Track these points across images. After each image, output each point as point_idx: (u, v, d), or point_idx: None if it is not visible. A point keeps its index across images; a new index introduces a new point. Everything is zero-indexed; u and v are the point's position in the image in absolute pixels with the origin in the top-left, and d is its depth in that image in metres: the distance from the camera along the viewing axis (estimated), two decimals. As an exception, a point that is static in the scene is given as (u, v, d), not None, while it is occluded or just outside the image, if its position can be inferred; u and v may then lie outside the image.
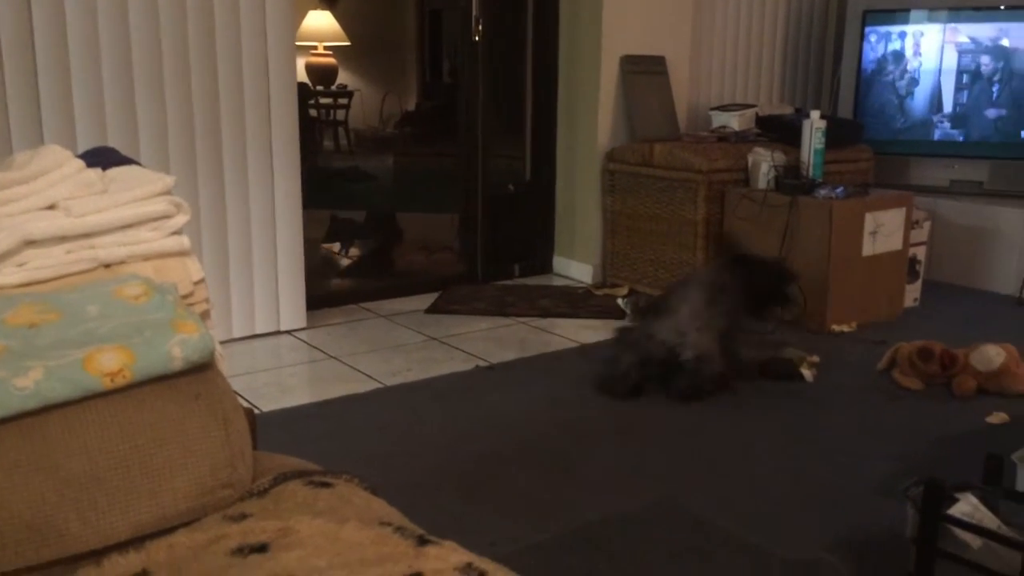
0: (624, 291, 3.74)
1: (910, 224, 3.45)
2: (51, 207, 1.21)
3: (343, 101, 7.54)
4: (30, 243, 1.16)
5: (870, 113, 4.26)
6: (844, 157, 3.81)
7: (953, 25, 4.03)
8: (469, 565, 0.87)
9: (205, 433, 0.98)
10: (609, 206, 3.87)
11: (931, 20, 4.08)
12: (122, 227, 1.22)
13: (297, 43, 3.19)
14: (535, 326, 3.31)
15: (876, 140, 4.16)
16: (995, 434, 2.37)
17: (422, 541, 0.91)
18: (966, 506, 1.52)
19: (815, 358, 2.81)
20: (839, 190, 3.28)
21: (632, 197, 3.75)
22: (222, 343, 2.97)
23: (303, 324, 3.23)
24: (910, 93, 4.17)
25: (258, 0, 2.93)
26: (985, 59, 3.99)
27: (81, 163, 1.27)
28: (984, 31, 3.97)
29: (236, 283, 3.07)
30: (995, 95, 4.00)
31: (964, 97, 4.06)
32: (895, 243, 3.40)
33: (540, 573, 1.67)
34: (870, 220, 3.28)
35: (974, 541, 1.47)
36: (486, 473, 2.10)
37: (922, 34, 4.10)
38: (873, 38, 4.23)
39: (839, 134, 3.72)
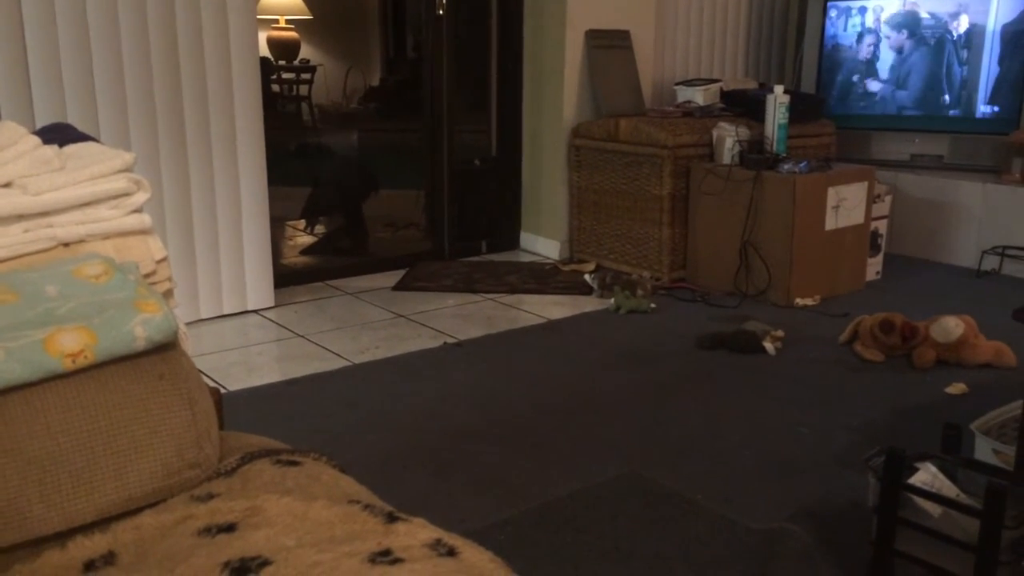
0: (591, 267, 3.75)
1: (872, 198, 3.49)
2: (7, 185, 1.18)
3: (306, 76, 7.44)
4: (-14, 222, 1.13)
5: (833, 88, 4.30)
6: (807, 132, 3.84)
7: (913, 1, 4.06)
8: (438, 541, 0.87)
9: (170, 413, 0.97)
10: (575, 182, 3.87)
11: (893, -5, 4.12)
12: (80, 205, 1.20)
13: (258, 16, 3.13)
14: (503, 302, 3.32)
15: (839, 115, 4.20)
16: (954, 404, 2.42)
17: (391, 518, 0.91)
18: (926, 475, 1.55)
19: (780, 332, 2.84)
20: (802, 165, 3.31)
21: (598, 173, 3.75)
22: (189, 324, 2.94)
23: (271, 303, 3.20)
24: (872, 68, 4.20)
25: (217, -27, 2.87)
26: (945, 34, 4.03)
27: (37, 140, 1.24)
28: (944, 6, 4.01)
29: (202, 263, 3.03)
30: (955, 69, 4.04)
31: (924, 72, 4.10)
32: (857, 217, 3.44)
33: (509, 548, 1.68)
34: (832, 194, 3.31)
35: (934, 509, 1.50)
36: (455, 450, 2.10)
37: (883, 9, 4.13)
38: (835, 13, 4.25)
39: (802, 109, 3.74)
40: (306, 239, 4.40)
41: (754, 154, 3.41)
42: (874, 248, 3.62)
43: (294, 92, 7.50)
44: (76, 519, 0.90)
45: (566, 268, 3.79)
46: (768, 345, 2.78)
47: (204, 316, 3.06)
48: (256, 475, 1.00)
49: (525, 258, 4.02)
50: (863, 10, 4.18)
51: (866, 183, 3.45)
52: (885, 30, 4.15)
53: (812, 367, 2.68)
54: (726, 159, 3.47)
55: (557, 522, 1.78)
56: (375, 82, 8.01)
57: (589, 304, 3.30)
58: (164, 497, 0.95)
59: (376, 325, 3.04)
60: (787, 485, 1.95)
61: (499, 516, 1.80)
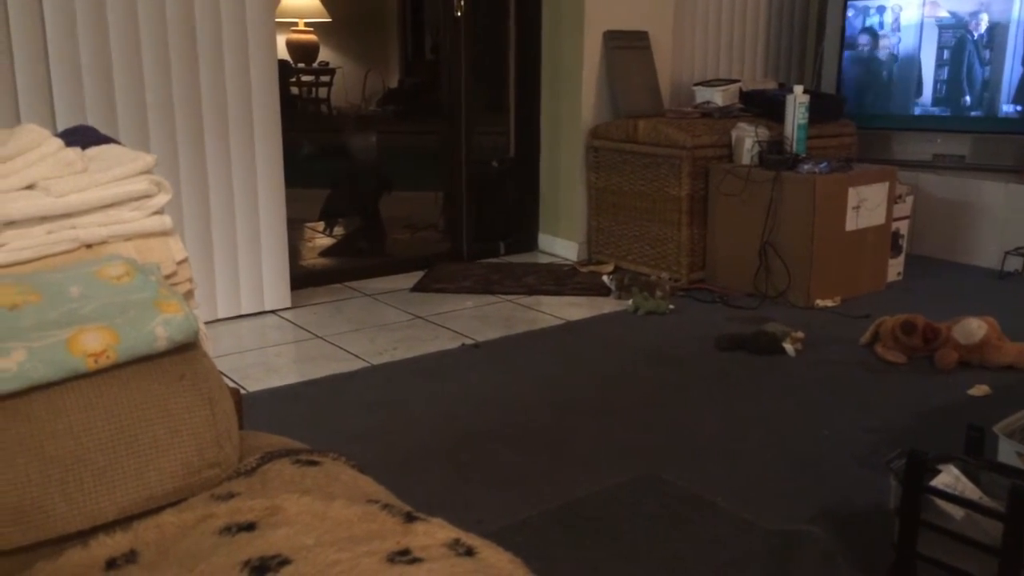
0: (610, 268, 3.74)
1: (893, 198, 3.46)
2: (30, 187, 1.19)
3: (325, 78, 7.47)
4: (9, 224, 1.14)
5: (853, 88, 4.27)
6: (827, 132, 3.81)
7: (934, 0, 4.03)
8: (457, 541, 0.88)
9: (191, 413, 0.97)
10: (593, 183, 3.86)
11: (914, -6, 4.08)
12: (103, 207, 1.21)
13: (277, 19, 3.16)
14: (521, 304, 3.32)
15: (859, 115, 4.17)
16: (977, 406, 2.40)
17: (409, 518, 0.92)
18: (948, 477, 1.54)
19: (799, 334, 2.83)
20: (822, 165, 3.28)
21: (616, 174, 3.75)
22: (207, 324, 2.96)
23: (287, 304, 3.22)
24: (892, 67, 4.17)
25: (237, -24, 2.89)
26: (967, 33, 3.99)
27: (60, 142, 1.25)
28: (965, 5, 3.98)
29: (220, 263, 3.05)
30: (977, 69, 4.01)
31: (946, 71, 4.06)
32: (878, 217, 3.41)
33: (527, 549, 1.68)
34: (853, 195, 3.29)
35: (956, 512, 1.49)
36: (472, 450, 2.11)
37: (904, 8, 4.10)
38: (855, 12, 4.22)
39: (822, 109, 3.72)
40: (325, 240, 4.42)
41: (774, 154, 3.40)
42: (895, 249, 3.59)
43: (313, 94, 7.53)
44: (98, 518, 0.91)
45: (584, 269, 3.78)
46: (788, 346, 2.76)
47: (222, 316, 3.08)
48: (276, 475, 1.00)
49: (543, 259, 4.02)
50: (883, 9, 4.15)
51: (887, 183, 3.42)
52: (905, 29, 4.12)
53: (833, 368, 2.67)
54: (745, 160, 3.46)
55: (575, 523, 1.77)
56: (393, 84, 8.04)
57: (607, 305, 3.30)
58: (185, 496, 0.96)
59: (394, 326, 3.05)
60: (807, 487, 1.94)
61: (517, 516, 1.80)
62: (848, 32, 4.25)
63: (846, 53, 4.26)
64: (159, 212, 1.26)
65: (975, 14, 3.97)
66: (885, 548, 1.63)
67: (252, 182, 3.06)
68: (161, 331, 0.97)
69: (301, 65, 7.33)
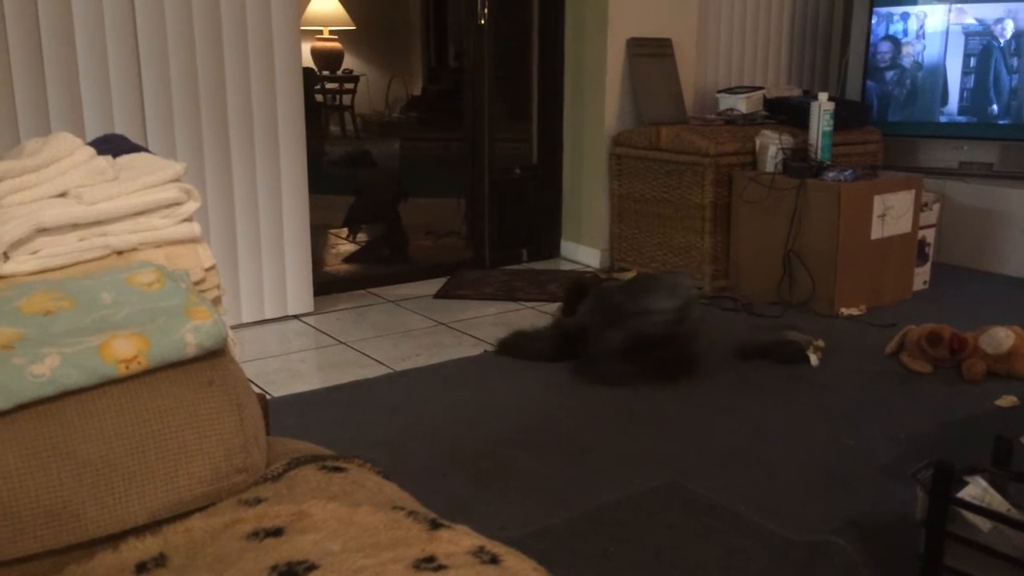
0: (632, 275, 3.74)
1: (919, 206, 3.43)
2: (63, 195, 1.22)
3: (349, 86, 7.53)
4: (42, 231, 1.16)
5: (879, 95, 4.24)
6: (852, 139, 3.79)
7: (961, 6, 4.00)
8: (481, 548, 0.88)
9: (219, 418, 0.99)
10: (616, 190, 3.86)
11: (940, 0, 4.05)
12: (133, 214, 1.23)
13: (302, 27, 3.19)
14: (543, 311, 3.32)
15: (885, 122, 4.14)
16: (1004, 417, 2.37)
17: (435, 525, 0.92)
18: (976, 489, 1.52)
19: (820, 342, 2.81)
20: (847, 173, 3.26)
21: (639, 181, 3.74)
22: (232, 328, 2.99)
23: (310, 309, 3.24)
24: (918, 74, 4.14)
25: (264, -15, 2.93)
26: (993, 40, 3.96)
27: (92, 151, 1.27)
28: (992, 12, 3.94)
29: (244, 268, 3.08)
30: (1004, 76, 3.97)
31: (973, 78, 4.03)
32: (904, 226, 3.39)
33: (550, 557, 1.68)
34: (879, 203, 3.27)
35: (984, 524, 1.47)
36: (496, 457, 2.11)
37: (931, 15, 4.07)
38: (881, 19, 4.20)
39: (847, 116, 3.70)
40: (348, 247, 4.44)
41: (798, 162, 3.38)
42: (921, 257, 3.56)
43: (337, 102, 7.59)
44: (128, 521, 0.92)
45: (607, 277, 3.78)
46: (812, 355, 2.75)
47: (246, 320, 3.10)
48: (302, 480, 1.01)
49: (566, 266, 4.02)
50: (912, 16, 4.12)
51: (913, 191, 3.39)
52: (931, 36, 4.09)
53: (858, 378, 2.65)
54: (769, 167, 3.44)
55: (598, 531, 1.77)
56: (417, 91, 8.08)
57: (630, 313, 3.29)
58: (213, 501, 0.97)
59: (417, 333, 3.06)
60: (832, 497, 1.93)
61: (540, 524, 1.80)
62: (873, 39, 4.23)
63: (871, 60, 4.24)
64: (188, 219, 1.28)
65: (1001, 21, 3.93)
66: (911, 560, 1.62)
67: (277, 189, 3.09)
68: (191, 337, 0.98)
69: (326, 72, 7.39)
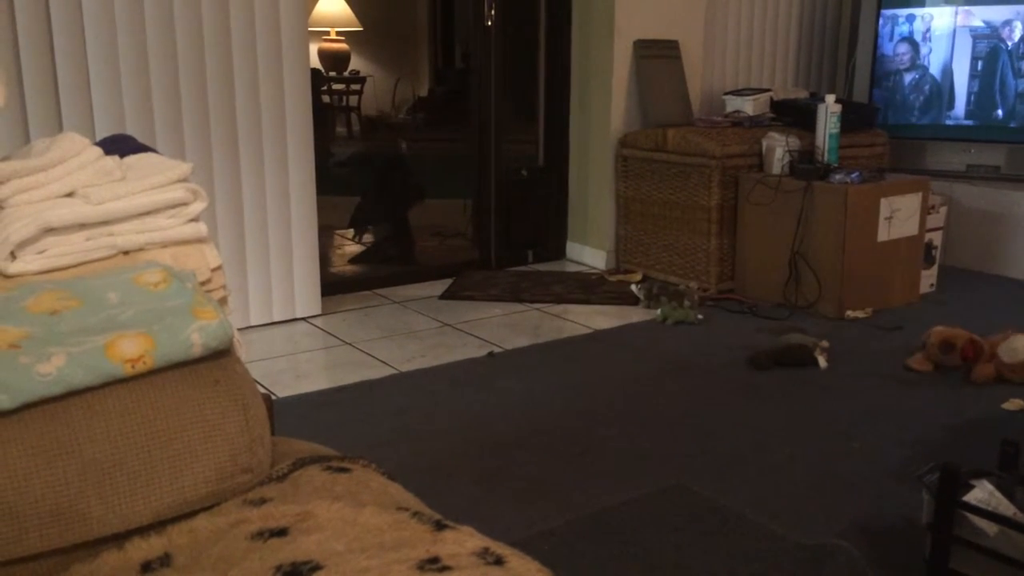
0: (638, 277, 3.74)
1: (926, 209, 3.43)
2: (70, 195, 1.22)
3: (355, 87, 7.53)
4: (50, 230, 1.16)
5: (886, 97, 4.23)
6: (859, 142, 3.78)
7: (968, 8, 3.99)
8: (486, 550, 0.88)
9: (225, 418, 0.99)
10: (622, 192, 3.86)
11: (947, 3, 4.04)
12: (140, 214, 1.23)
13: (309, 28, 3.19)
14: (549, 312, 3.32)
15: (892, 124, 4.13)
16: (1011, 421, 2.36)
17: (439, 526, 0.92)
18: (982, 493, 1.52)
19: (825, 343, 2.80)
20: (854, 175, 3.26)
21: (645, 182, 3.74)
22: (240, 330, 2.99)
23: (318, 311, 3.24)
24: (926, 77, 4.13)
25: (271, -14, 2.93)
26: (1001, 42, 3.95)
27: (99, 151, 1.27)
28: (1000, 14, 3.93)
29: (253, 270, 3.08)
30: (1011, 78, 3.96)
31: (980, 81, 4.02)
32: (911, 228, 3.38)
33: (555, 558, 1.68)
34: (885, 205, 3.26)
35: (990, 528, 1.47)
36: (500, 459, 2.11)
37: (938, 17, 4.06)
38: (888, 21, 4.19)
39: (854, 118, 3.69)
40: (354, 248, 4.45)
41: (805, 164, 3.38)
42: (928, 260, 3.55)
43: (344, 103, 7.60)
44: (133, 521, 0.92)
45: (612, 278, 3.78)
46: (820, 358, 2.74)
47: (254, 323, 3.11)
48: (307, 481, 1.01)
49: (571, 268, 4.02)
50: (919, 18, 4.11)
51: (920, 194, 3.38)
52: (938, 38, 4.08)
53: (864, 380, 2.64)
54: (776, 169, 3.44)
55: (603, 533, 1.77)
56: (423, 92, 8.08)
57: (635, 315, 3.29)
58: (218, 501, 0.97)
59: (423, 334, 3.06)
60: (837, 500, 1.92)
61: (544, 526, 1.80)
62: (880, 41, 4.22)
63: (878, 62, 4.23)
64: (195, 220, 1.28)
65: (1009, 23, 3.92)
66: (917, 564, 1.61)
67: (285, 190, 3.10)
68: (197, 337, 0.98)
69: (332, 74, 7.39)
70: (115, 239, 1.20)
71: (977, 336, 2.67)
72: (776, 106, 3.93)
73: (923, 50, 4.13)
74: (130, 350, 0.94)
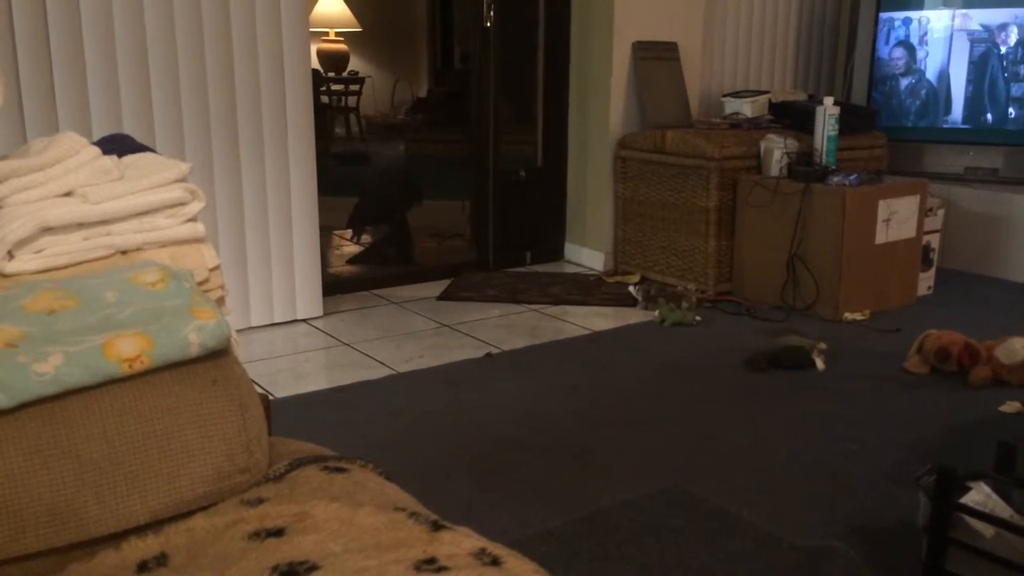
0: (636, 278, 3.74)
1: (924, 211, 3.43)
2: (68, 194, 1.22)
3: (355, 87, 7.53)
4: (47, 230, 1.16)
5: (884, 99, 4.24)
6: (858, 144, 3.79)
7: (967, 11, 3.99)
8: (483, 550, 0.88)
9: (222, 418, 0.99)
10: (621, 193, 3.86)
11: (946, 6, 4.05)
12: (138, 214, 1.23)
13: (309, 29, 3.19)
14: (546, 313, 3.32)
15: (890, 127, 4.13)
16: (1008, 423, 2.36)
17: (436, 526, 0.92)
18: (978, 495, 1.52)
19: (823, 344, 2.80)
20: (852, 177, 3.26)
21: (644, 184, 3.74)
22: (241, 331, 3.00)
23: (319, 312, 3.24)
24: (924, 79, 4.14)
25: (270, -14, 2.93)
26: (999, 45, 3.95)
27: (97, 150, 1.27)
28: (998, 17, 3.94)
29: (254, 272, 3.08)
30: (1010, 81, 3.96)
31: (979, 84, 4.02)
32: (909, 230, 3.38)
33: (552, 559, 1.68)
34: (883, 207, 3.26)
35: (986, 530, 1.47)
36: (497, 459, 2.11)
37: (936, 20, 4.07)
38: (887, 24, 4.20)
39: (853, 121, 3.69)
40: (353, 248, 4.45)
41: (803, 166, 3.38)
42: (926, 262, 3.56)
43: (343, 103, 7.60)
44: (130, 521, 0.92)
45: (610, 280, 3.78)
46: (818, 360, 2.74)
47: (255, 324, 3.11)
48: (304, 481, 1.01)
49: (569, 269, 4.02)
50: (913, 21, 4.12)
51: (918, 196, 3.39)
52: (936, 41, 4.08)
53: (861, 382, 2.64)
54: (774, 171, 3.44)
55: (600, 534, 1.77)
56: (422, 93, 8.09)
57: (633, 316, 3.29)
58: (215, 501, 0.97)
59: (421, 334, 3.06)
60: (834, 502, 1.92)
61: (542, 527, 1.80)
62: (879, 44, 4.22)
63: (877, 65, 4.23)
64: (193, 220, 1.28)
65: (1006, 26, 3.93)
66: (913, 566, 1.62)
67: (285, 191, 3.09)
68: (194, 337, 0.98)
69: (331, 74, 7.39)
70: (113, 239, 1.20)
71: (972, 340, 2.67)
72: (775, 108, 3.93)
73: (921, 53, 4.14)
74: (127, 350, 0.94)
